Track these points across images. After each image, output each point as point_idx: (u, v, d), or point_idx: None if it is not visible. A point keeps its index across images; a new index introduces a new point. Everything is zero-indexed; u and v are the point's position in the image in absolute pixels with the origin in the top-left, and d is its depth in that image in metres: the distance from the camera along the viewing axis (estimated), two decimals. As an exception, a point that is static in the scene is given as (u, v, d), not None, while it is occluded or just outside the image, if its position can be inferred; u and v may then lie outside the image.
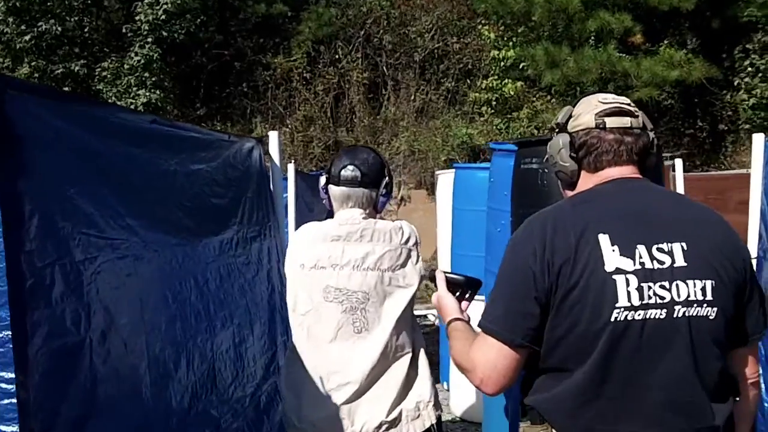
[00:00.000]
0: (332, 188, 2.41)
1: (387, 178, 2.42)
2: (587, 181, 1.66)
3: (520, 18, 12.79)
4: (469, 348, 1.59)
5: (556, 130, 1.73)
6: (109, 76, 12.74)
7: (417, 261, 2.36)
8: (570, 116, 1.68)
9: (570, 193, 1.73)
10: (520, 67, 12.93)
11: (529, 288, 1.50)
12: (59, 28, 12.49)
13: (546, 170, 2.67)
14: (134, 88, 12.63)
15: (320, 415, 2.27)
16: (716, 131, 13.36)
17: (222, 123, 13.51)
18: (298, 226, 4.84)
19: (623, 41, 12.32)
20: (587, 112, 1.63)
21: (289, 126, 13.69)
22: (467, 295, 1.91)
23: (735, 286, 1.53)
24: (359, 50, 14.23)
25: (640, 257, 1.48)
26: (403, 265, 2.33)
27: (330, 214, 6.33)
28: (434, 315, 8.66)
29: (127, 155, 1.92)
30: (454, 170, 5.43)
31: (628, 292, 1.46)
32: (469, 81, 14.00)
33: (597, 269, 1.47)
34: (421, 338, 2.45)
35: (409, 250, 2.35)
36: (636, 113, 1.64)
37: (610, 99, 1.65)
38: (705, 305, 1.48)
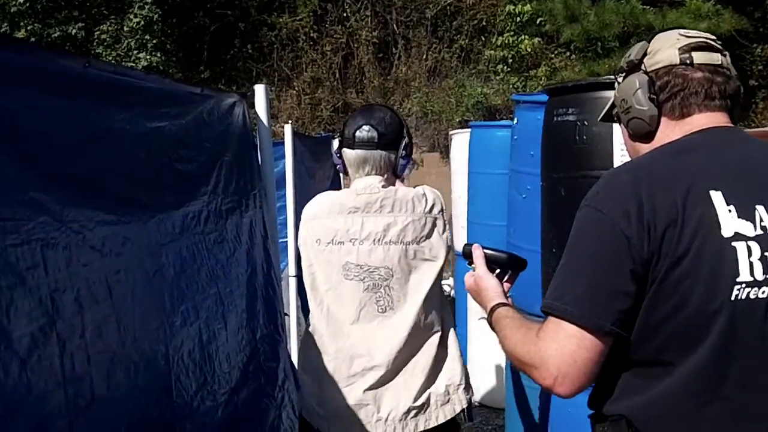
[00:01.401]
0: (347, 152, 2.26)
1: (406, 138, 2.25)
2: (670, 130, 1.38)
3: (537, -30, 12.21)
4: (533, 338, 1.31)
5: (624, 71, 1.45)
6: (108, 39, 12.31)
7: (444, 230, 2.21)
8: (645, 53, 1.41)
9: (644, 147, 1.42)
10: (537, 22, 12.45)
11: (622, 259, 1.22)
12: (55, -10, 12.02)
13: (586, 123, 2.18)
14: (135, 51, 12.20)
15: (344, 401, 2.15)
16: (746, 87, 12.73)
17: (227, 86, 13.03)
18: (297, 194, 4.44)
19: None
20: (668, 46, 1.37)
21: (296, 88, 13.25)
22: (507, 277, 1.65)
23: None
24: (368, 8, 13.74)
25: (761, 220, 1.22)
26: (429, 235, 2.16)
27: (335, 181, 5.84)
28: (449, 285, 8.20)
29: (45, 109, 1.45)
30: (469, 130, 4.94)
31: (751, 264, 1.19)
32: (483, 38, 13.52)
33: (712, 234, 1.20)
34: (450, 315, 2.31)
35: (435, 219, 2.19)
36: (724, 51, 1.38)
37: (693, 33, 1.38)
38: None
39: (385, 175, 2.22)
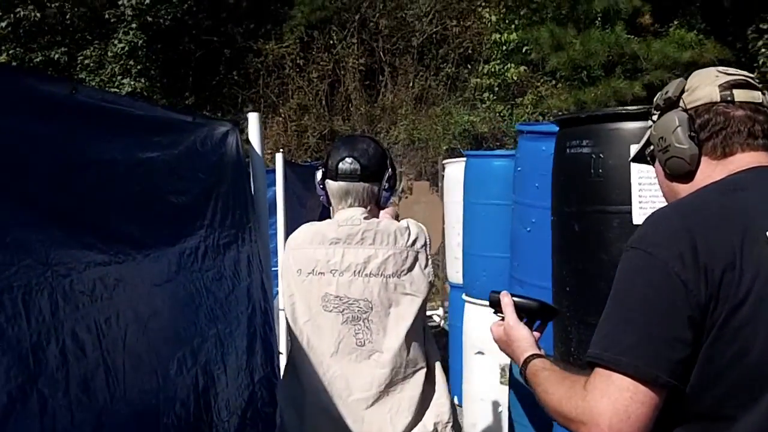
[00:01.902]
0: (330, 183, 2.24)
1: (389, 170, 2.25)
2: (711, 170, 1.32)
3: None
4: (580, 392, 1.21)
5: (660, 108, 1.40)
6: (91, 64, 12.17)
7: (426, 265, 2.18)
8: (683, 89, 1.37)
9: (683, 188, 1.36)
10: (523, 50, 12.49)
11: (678, 304, 1.14)
12: (38, 14, 11.86)
13: (602, 155, 2.08)
14: (119, 77, 12.06)
15: None
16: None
17: (213, 113, 12.91)
18: (288, 223, 4.30)
19: (631, 22, 11.81)
20: (707, 83, 1.33)
21: (283, 115, 13.15)
22: (537, 326, 1.59)
23: None
24: (354, 35, 13.70)
25: None
26: (410, 269, 2.14)
27: (325, 210, 5.71)
28: (439, 316, 8.04)
29: (28, 138, 1.32)
30: (463, 159, 4.84)
31: None
32: (469, 66, 13.55)
33: None
34: (436, 349, 2.27)
35: (417, 253, 2.16)
36: (764, 90, 1.33)
37: (732, 70, 1.34)
38: None
39: (368, 207, 2.21)
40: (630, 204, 2.03)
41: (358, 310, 2.14)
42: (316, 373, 2.14)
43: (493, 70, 12.65)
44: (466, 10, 13.85)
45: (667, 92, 1.39)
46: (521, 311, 1.55)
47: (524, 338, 1.48)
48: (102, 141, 1.69)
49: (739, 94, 1.31)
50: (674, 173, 1.37)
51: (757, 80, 1.35)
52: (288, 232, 4.14)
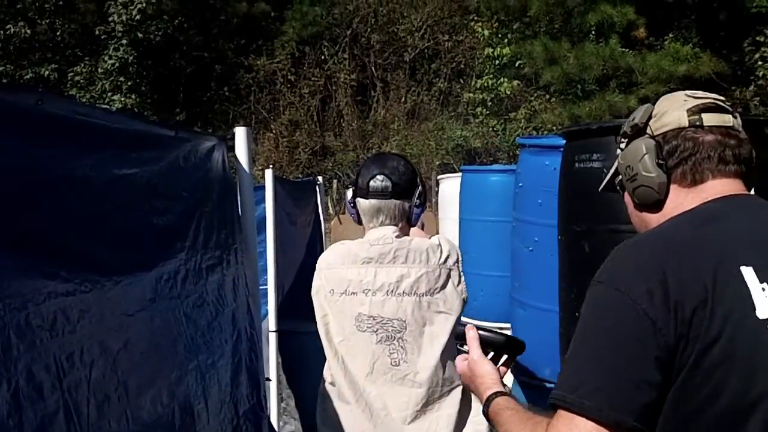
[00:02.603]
0: (361, 201, 2.22)
1: (420, 187, 2.23)
2: (682, 198, 1.26)
3: (516, 13, 12.26)
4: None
5: (628, 135, 1.35)
6: (82, 81, 12.07)
7: (459, 282, 2.14)
8: (650, 115, 1.31)
9: (653, 218, 1.30)
10: (516, 65, 12.42)
11: (645, 345, 1.07)
12: (29, 31, 11.74)
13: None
14: (109, 93, 11.96)
15: None
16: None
17: (203, 128, 12.79)
18: (278, 241, 4.14)
19: (625, 36, 11.75)
20: (675, 108, 1.27)
21: (274, 131, 13.04)
22: (503, 361, 1.54)
23: None
24: (346, 50, 13.78)
25: None
26: (443, 287, 2.11)
27: (316, 227, 5.49)
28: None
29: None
30: (457, 174, 4.71)
31: None
32: (462, 81, 13.55)
33: (746, 316, 1.07)
34: None
35: (449, 270, 2.13)
36: (734, 112, 1.26)
37: (700, 94, 1.29)
38: None
39: (399, 225, 2.18)
40: (644, 222, 1.91)
41: (392, 330, 2.13)
42: (355, 393, 2.15)
43: (485, 84, 12.58)
44: (458, 25, 13.85)
45: (634, 118, 1.33)
46: (486, 346, 1.50)
47: (488, 374, 1.42)
48: (72, 156, 1.54)
49: (709, 118, 1.24)
50: (643, 203, 1.32)
51: (727, 103, 1.27)
52: (278, 250, 3.99)
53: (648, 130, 1.30)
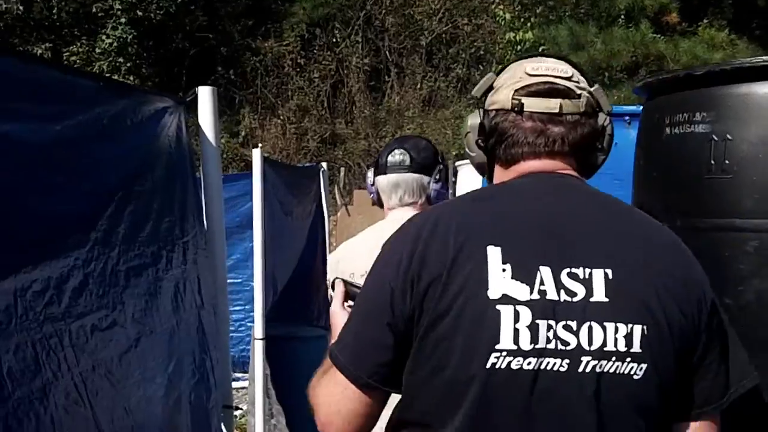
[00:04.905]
0: (379, 179, 2.23)
1: (441, 165, 2.25)
2: (501, 175, 1.30)
3: (540, -5, 11.77)
4: (319, 380, 1.26)
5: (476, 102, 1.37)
6: (78, 61, 11.49)
7: None
8: (491, 87, 1.31)
9: None
10: (540, 50, 11.82)
11: (383, 310, 1.15)
12: (21, 7, 11.18)
13: (729, 137, 1.28)
14: (107, 74, 11.33)
15: None
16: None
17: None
18: (268, 235, 3.53)
19: (656, 21, 11.24)
20: (508, 85, 1.27)
21: (281, 117, 12.49)
22: None
23: (681, 336, 1.13)
24: (359, 33, 13.16)
25: (542, 283, 1.11)
26: None
27: (317, 217, 4.91)
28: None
29: None
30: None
31: (516, 331, 1.09)
32: (481, 67, 13.09)
33: (476, 295, 1.10)
34: None
35: None
36: (577, 92, 1.24)
37: (543, 69, 1.25)
38: (628, 360, 1.10)
39: (419, 202, 2.18)
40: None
41: None
42: None
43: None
44: (478, 8, 13.31)
45: (478, 88, 1.35)
46: (351, 298, 1.44)
47: (341, 326, 1.36)
48: None
49: (530, 103, 1.25)
50: (482, 174, 1.40)
51: (579, 78, 1.26)
52: (268, 244, 3.39)
53: (485, 103, 1.32)
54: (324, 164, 5.08)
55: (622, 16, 10.85)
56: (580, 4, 11.43)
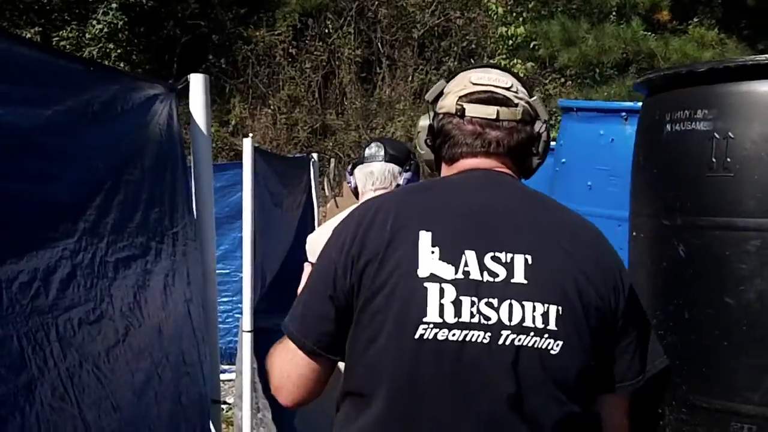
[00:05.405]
0: (357, 169, 2.46)
1: (413, 160, 2.44)
2: (446, 171, 1.46)
3: (532, -10, 11.70)
4: (275, 348, 1.40)
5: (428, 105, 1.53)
6: (68, 46, 11.32)
7: None
8: (441, 93, 1.47)
9: None
10: (531, 46, 11.84)
11: (327, 285, 1.30)
12: (10, -9, 11.05)
13: (731, 135, 1.27)
14: (97, 61, 11.20)
15: None
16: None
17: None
18: (258, 226, 3.49)
19: (647, 18, 11.20)
20: (454, 92, 1.42)
21: (272, 107, 12.37)
22: None
23: (597, 317, 1.26)
24: (351, 24, 13.07)
25: (466, 265, 1.24)
26: None
27: (308, 209, 4.90)
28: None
29: None
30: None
31: (441, 306, 1.22)
32: (473, 61, 13.01)
33: (408, 273, 1.24)
34: None
35: None
36: (514, 101, 1.39)
37: (486, 80, 1.41)
38: (546, 336, 1.22)
39: (390, 189, 2.32)
40: (777, 215, 1.24)
41: None
42: None
43: (498, 65, 11.99)
44: (471, 2, 13.25)
45: (430, 92, 1.48)
46: None
47: None
48: None
49: (471, 109, 1.38)
50: (431, 169, 1.53)
51: (517, 89, 1.40)
52: (258, 235, 3.35)
53: (436, 107, 1.45)
54: (315, 155, 5.04)
55: (614, 13, 10.80)
56: (572, 0, 11.36)
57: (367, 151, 2.41)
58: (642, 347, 1.33)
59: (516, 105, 1.39)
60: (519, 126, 1.39)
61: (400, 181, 2.36)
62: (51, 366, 1.13)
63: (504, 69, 1.47)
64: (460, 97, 1.39)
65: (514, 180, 1.40)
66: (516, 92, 1.40)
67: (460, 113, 1.38)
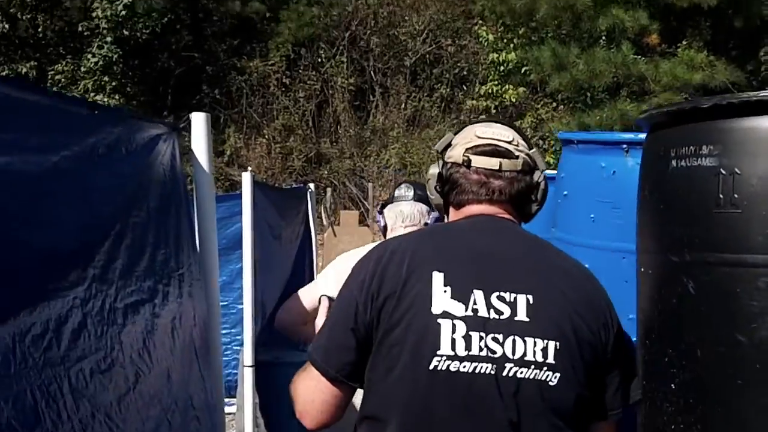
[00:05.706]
0: (387, 208, 2.56)
1: None
2: (453, 216, 1.60)
3: (522, 17, 11.80)
4: (298, 375, 1.50)
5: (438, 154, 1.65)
6: (63, 80, 11.40)
7: None
8: (449, 144, 1.61)
9: None
10: (522, 71, 11.91)
11: (348, 319, 1.41)
12: (7, 26, 11.08)
13: (738, 171, 1.28)
14: (92, 93, 11.30)
15: None
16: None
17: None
18: (257, 258, 3.48)
19: (637, 42, 11.28)
20: (461, 144, 1.56)
21: (267, 136, 12.42)
22: None
23: (590, 352, 1.40)
24: (344, 53, 13.20)
25: (475, 303, 1.37)
26: None
27: (305, 240, 4.84)
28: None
29: None
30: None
31: (453, 340, 1.34)
32: (465, 87, 13.13)
33: (423, 309, 1.36)
34: None
35: None
36: (515, 154, 1.53)
37: (489, 134, 1.55)
38: (545, 369, 1.35)
39: (419, 227, 2.43)
40: (787, 251, 1.24)
41: None
42: None
43: (490, 91, 12.19)
44: (461, 29, 13.42)
45: (440, 143, 1.61)
46: None
47: None
48: None
49: (477, 160, 1.51)
50: (441, 214, 1.66)
51: (519, 143, 1.53)
52: (257, 267, 3.34)
53: (445, 157, 1.58)
54: (311, 185, 5.04)
55: (604, 38, 10.89)
56: (562, 26, 11.44)
57: (397, 192, 2.52)
58: (629, 378, 1.45)
59: (517, 157, 1.52)
60: (519, 176, 1.52)
61: (428, 220, 2.47)
62: (65, 419, 1.12)
63: (506, 123, 1.60)
64: (466, 149, 1.52)
65: (515, 225, 1.53)
66: (517, 145, 1.53)
67: (467, 164, 1.51)
